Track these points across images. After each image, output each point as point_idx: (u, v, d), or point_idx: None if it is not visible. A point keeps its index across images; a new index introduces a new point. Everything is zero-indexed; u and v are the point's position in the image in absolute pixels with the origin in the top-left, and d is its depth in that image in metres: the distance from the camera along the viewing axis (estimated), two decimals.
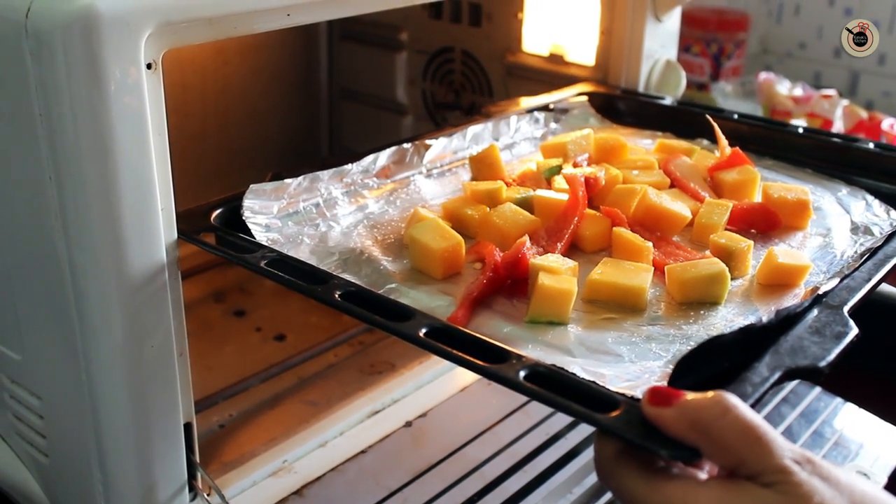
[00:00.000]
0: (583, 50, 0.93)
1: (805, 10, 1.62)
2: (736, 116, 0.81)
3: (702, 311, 0.55)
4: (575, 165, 0.71)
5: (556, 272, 0.55)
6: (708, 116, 0.78)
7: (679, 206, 0.65)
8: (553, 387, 0.44)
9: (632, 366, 0.49)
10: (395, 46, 1.12)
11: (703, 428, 0.38)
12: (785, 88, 1.31)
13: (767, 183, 0.69)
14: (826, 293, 0.52)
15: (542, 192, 0.66)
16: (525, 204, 0.65)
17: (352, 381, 0.78)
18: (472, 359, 0.45)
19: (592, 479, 0.70)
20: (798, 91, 1.31)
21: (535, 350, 0.50)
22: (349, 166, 0.68)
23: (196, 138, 1.06)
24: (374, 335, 0.86)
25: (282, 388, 0.78)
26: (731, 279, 0.57)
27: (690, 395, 0.39)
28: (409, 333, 0.47)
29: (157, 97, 0.50)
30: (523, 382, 0.44)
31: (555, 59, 0.96)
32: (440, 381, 0.78)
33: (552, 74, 0.96)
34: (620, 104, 0.88)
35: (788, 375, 0.45)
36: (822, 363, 0.46)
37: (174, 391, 0.57)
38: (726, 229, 0.64)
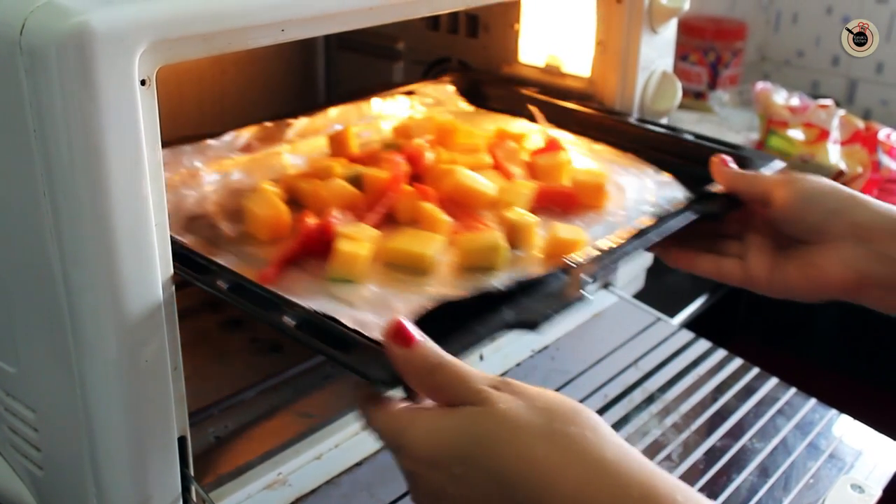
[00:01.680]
0: (578, 61, 0.93)
1: (803, 18, 1.63)
2: (576, 107, 0.90)
3: (480, 276, 0.63)
4: (413, 146, 0.80)
5: (355, 238, 0.64)
6: (529, 106, 0.91)
7: (485, 185, 0.74)
8: (312, 329, 0.52)
9: (398, 316, 0.55)
10: (392, 56, 1.12)
11: (421, 377, 0.48)
12: (782, 98, 1.31)
13: (574, 167, 0.79)
14: (575, 264, 0.61)
15: (370, 170, 0.75)
16: (356, 180, 0.74)
17: (347, 392, 0.78)
18: (250, 304, 0.54)
19: None
20: (795, 101, 1.31)
21: (325, 303, 0.58)
22: (211, 142, 0.76)
23: None
24: None
25: (277, 400, 0.78)
26: (519, 250, 0.67)
27: (421, 342, 0.48)
28: (210, 285, 0.56)
29: (152, 113, 0.50)
30: (286, 324, 0.53)
31: (551, 70, 0.96)
32: None
33: (548, 86, 0.96)
34: (486, 90, 0.98)
35: (508, 326, 0.54)
36: (539, 319, 0.54)
37: (168, 405, 0.57)
38: (534, 208, 0.73)
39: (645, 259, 1.00)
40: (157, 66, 0.50)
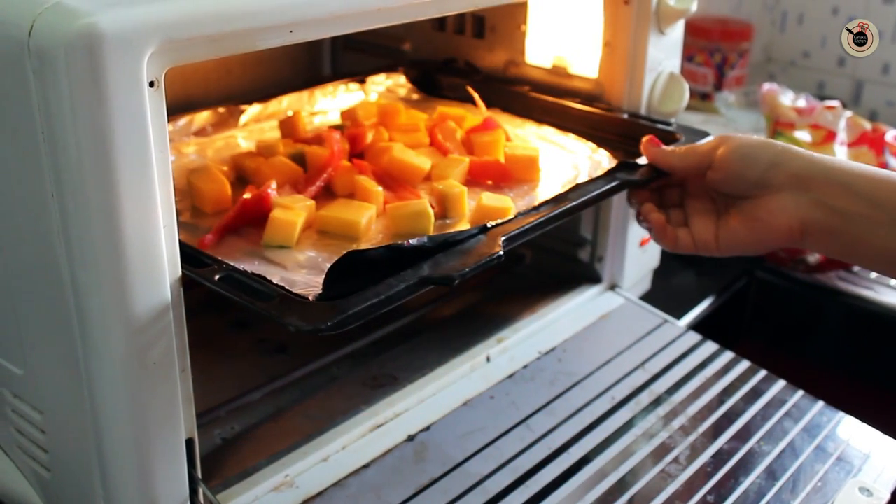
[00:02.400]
0: (586, 62, 0.93)
1: (809, 19, 1.62)
2: (521, 91, 0.96)
3: (410, 241, 0.63)
4: (359, 127, 0.85)
5: (289, 207, 0.68)
6: (468, 87, 0.95)
7: (419, 159, 0.78)
8: (240, 286, 0.56)
9: (322, 275, 0.57)
10: (398, 57, 1.12)
11: None
12: (788, 99, 1.30)
13: (510, 144, 0.83)
14: (494, 225, 0.64)
15: (312, 148, 0.79)
16: (299, 158, 0.78)
17: (354, 394, 0.78)
18: (188, 266, 0.56)
19: (595, 494, 0.69)
20: (801, 102, 1.30)
21: (259, 265, 0.63)
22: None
23: None
24: (376, 348, 0.86)
25: (284, 402, 0.78)
26: (448, 218, 0.72)
27: None
28: None
29: (160, 115, 0.50)
30: (215, 281, 0.56)
31: (558, 71, 0.96)
32: (443, 395, 0.78)
33: (555, 87, 0.96)
34: (437, 78, 1.03)
35: (424, 282, 0.56)
36: (455, 274, 0.56)
37: (176, 407, 0.57)
38: (469, 181, 0.77)
39: (651, 260, 0.99)
40: (165, 67, 0.50)
